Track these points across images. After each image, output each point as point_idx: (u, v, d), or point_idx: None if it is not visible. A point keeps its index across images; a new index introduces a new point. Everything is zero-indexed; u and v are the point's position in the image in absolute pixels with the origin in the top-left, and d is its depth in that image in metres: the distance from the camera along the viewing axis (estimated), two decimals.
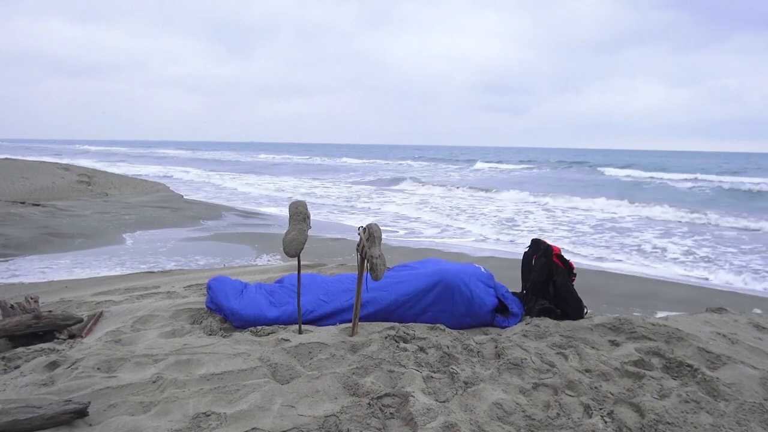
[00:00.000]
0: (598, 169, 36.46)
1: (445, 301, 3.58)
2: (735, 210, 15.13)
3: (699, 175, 30.04)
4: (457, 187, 21.55)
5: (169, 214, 11.64)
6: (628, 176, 30.77)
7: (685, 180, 27.95)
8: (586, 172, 34.64)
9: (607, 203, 16.04)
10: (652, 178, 29.53)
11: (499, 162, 47.03)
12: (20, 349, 3.08)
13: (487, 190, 20.43)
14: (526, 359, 2.87)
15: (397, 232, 10.64)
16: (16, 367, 2.85)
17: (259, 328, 3.36)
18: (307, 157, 55.39)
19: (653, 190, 23.24)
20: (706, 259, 8.32)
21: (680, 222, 12.80)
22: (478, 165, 43.57)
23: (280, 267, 6.00)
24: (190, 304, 3.94)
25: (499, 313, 3.70)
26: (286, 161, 47.59)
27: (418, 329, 3.26)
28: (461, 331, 3.45)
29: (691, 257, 8.50)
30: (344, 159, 51.54)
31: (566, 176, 31.71)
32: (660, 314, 4.67)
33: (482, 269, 3.87)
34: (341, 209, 14.46)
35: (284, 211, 12.39)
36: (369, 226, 3.11)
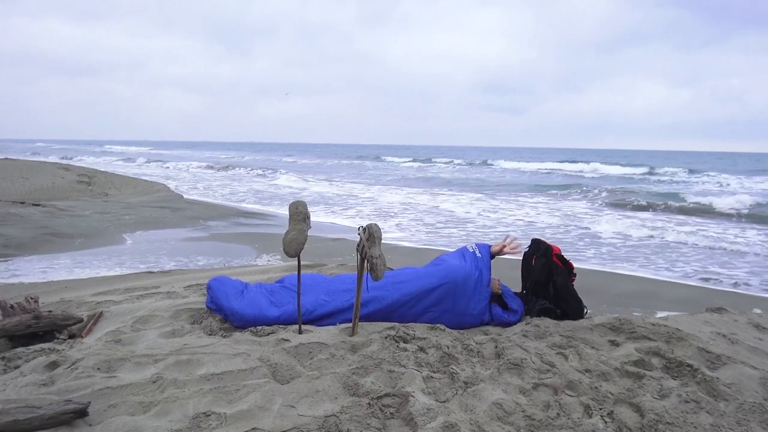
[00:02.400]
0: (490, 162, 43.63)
1: (447, 300, 3.58)
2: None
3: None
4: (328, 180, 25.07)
5: (169, 214, 11.64)
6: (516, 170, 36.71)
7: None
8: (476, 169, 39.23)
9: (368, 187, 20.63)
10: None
11: (448, 161, 51.33)
12: (20, 349, 3.08)
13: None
14: (526, 359, 2.87)
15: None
16: (16, 367, 2.85)
17: (259, 328, 3.35)
18: (276, 158, 56.76)
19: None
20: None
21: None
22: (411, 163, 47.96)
23: (281, 267, 6.00)
24: (190, 304, 3.93)
25: (499, 305, 3.72)
26: (235, 158, 49.59)
27: (418, 329, 3.25)
28: (461, 331, 3.45)
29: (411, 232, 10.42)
30: (293, 159, 53.49)
31: (449, 171, 35.47)
32: (660, 314, 4.67)
33: (477, 253, 3.82)
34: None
35: (280, 211, 12.71)
36: (369, 226, 3.10)
